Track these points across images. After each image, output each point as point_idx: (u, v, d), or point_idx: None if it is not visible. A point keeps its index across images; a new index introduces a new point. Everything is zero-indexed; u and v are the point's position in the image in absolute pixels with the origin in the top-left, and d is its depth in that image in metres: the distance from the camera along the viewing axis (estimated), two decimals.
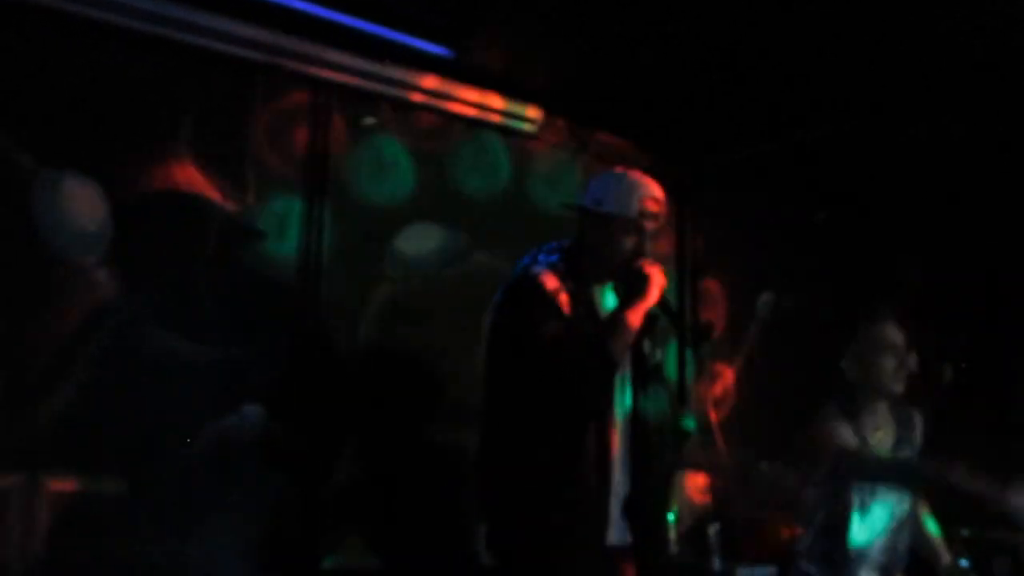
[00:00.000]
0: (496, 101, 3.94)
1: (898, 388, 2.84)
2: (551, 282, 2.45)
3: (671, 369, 4.57)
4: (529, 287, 2.46)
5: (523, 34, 3.59)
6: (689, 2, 3.31)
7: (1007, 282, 4.87)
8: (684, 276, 4.68)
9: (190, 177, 3.20)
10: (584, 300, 2.49)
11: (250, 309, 3.27)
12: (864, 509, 2.79)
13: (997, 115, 3.96)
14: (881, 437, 2.88)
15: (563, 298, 2.44)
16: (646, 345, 2.56)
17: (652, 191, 2.55)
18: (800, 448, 2.90)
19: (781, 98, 4.00)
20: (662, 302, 2.49)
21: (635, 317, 2.42)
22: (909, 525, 2.91)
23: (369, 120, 3.66)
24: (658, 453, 2.60)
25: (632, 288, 2.46)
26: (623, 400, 2.53)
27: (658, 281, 2.47)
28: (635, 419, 2.51)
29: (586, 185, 2.75)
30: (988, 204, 4.64)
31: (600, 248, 2.54)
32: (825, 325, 3.62)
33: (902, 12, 3.26)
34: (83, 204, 3.00)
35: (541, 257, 2.56)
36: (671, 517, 4.04)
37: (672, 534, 3.98)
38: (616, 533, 2.47)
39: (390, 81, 3.62)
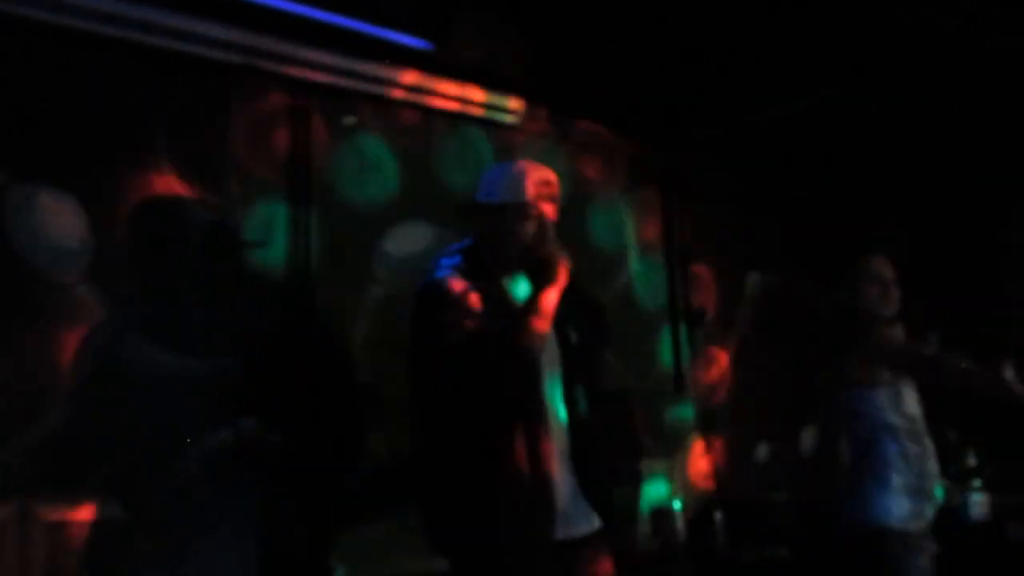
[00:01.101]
0: (477, 94, 3.90)
1: (887, 313, 2.94)
2: (458, 285, 2.44)
3: (665, 356, 4.54)
4: (437, 294, 2.45)
5: (501, 23, 3.54)
6: None
7: (991, 250, 4.89)
8: (673, 262, 4.65)
9: (170, 185, 3.11)
10: (493, 296, 2.46)
11: (239, 318, 3.18)
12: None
13: (976, 84, 3.97)
14: None
15: (473, 298, 2.42)
16: (571, 335, 2.52)
17: (542, 174, 2.54)
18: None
19: (759, 76, 3.99)
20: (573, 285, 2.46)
21: (547, 302, 2.40)
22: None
23: (350, 119, 3.59)
24: (600, 442, 2.53)
25: (539, 275, 2.43)
26: (556, 393, 2.49)
27: (565, 264, 2.44)
28: (570, 409, 2.49)
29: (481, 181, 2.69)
30: (971, 173, 4.66)
31: (499, 240, 2.51)
32: (814, 301, 3.61)
33: None
34: (60, 219, 2.91)
35: (444, 261, 2.54)
36: (677, 505, 4.02)
37: (679, 522, 3.96)
38: (573, 525, 2.43)
39: (369, 78, 3.57)
